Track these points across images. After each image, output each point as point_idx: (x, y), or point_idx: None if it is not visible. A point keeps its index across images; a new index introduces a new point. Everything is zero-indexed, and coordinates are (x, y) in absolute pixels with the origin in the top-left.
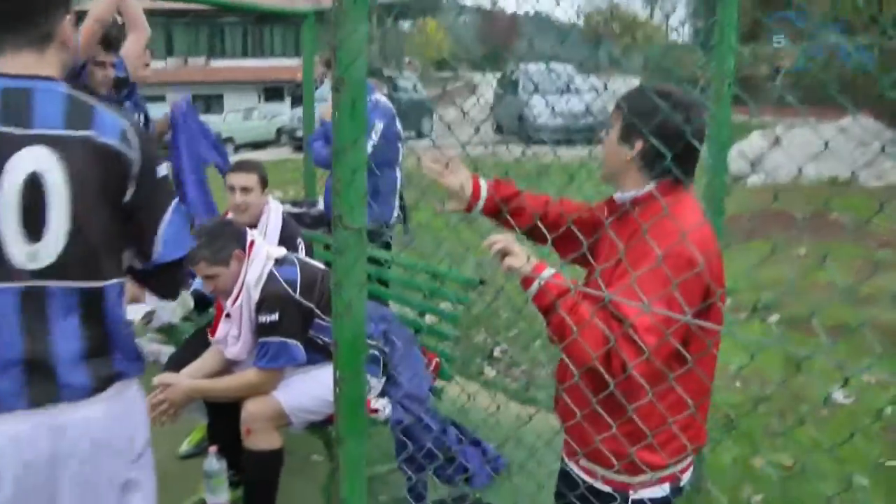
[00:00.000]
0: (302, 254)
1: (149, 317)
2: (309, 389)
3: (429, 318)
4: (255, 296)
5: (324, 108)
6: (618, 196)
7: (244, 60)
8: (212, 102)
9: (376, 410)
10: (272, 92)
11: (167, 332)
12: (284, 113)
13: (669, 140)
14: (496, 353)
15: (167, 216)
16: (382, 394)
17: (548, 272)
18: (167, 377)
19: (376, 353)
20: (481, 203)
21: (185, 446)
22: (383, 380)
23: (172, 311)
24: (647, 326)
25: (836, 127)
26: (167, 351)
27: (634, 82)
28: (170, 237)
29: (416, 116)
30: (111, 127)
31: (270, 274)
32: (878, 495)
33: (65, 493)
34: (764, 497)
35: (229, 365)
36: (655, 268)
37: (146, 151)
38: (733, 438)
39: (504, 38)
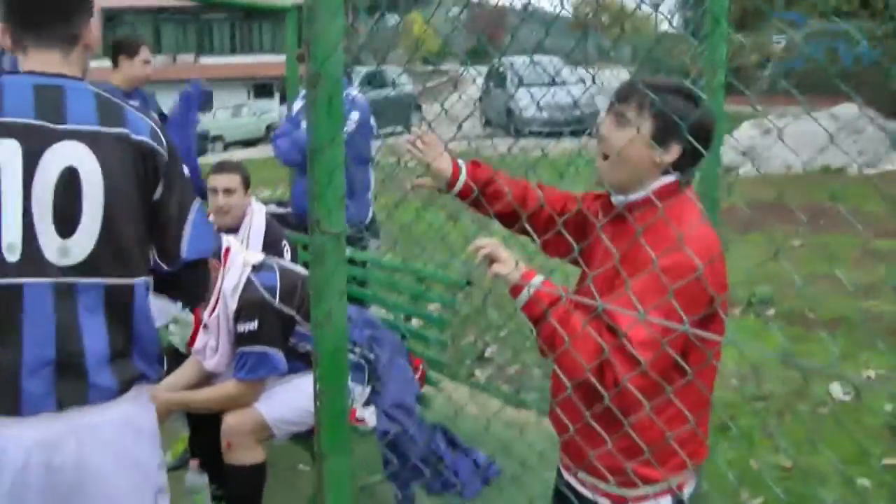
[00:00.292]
0: (287, 257)
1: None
2: (291, 400)
3: (415, 323)
4: (233, 305)
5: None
6: (618, 199)
7: (233, 57)
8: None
9: (362, 420)
10: (261, 88)
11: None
12: (274, 110)
13: (704, 143)
14: (487, 353)
15: (191, 215)
16: (368, 402)
17: (537, 279)
18: None
19: (361, 360)
20: (460, 185)
21: (167, 459)
22: (368, 388)
23: (182, 338)
24: (642, 340)
25: (827, 114)
26: None
27: (624, 74)
28: (195, 236)
29: (404, 111)
30: (142, 125)
31: (248, 281)
32: (881, 497)
33: (95, 499)
34: (763, 500)
35: (210, 376)
36: (659, 275)
37: (172, 150)
38: (730, 440)
39: (490, 31)
